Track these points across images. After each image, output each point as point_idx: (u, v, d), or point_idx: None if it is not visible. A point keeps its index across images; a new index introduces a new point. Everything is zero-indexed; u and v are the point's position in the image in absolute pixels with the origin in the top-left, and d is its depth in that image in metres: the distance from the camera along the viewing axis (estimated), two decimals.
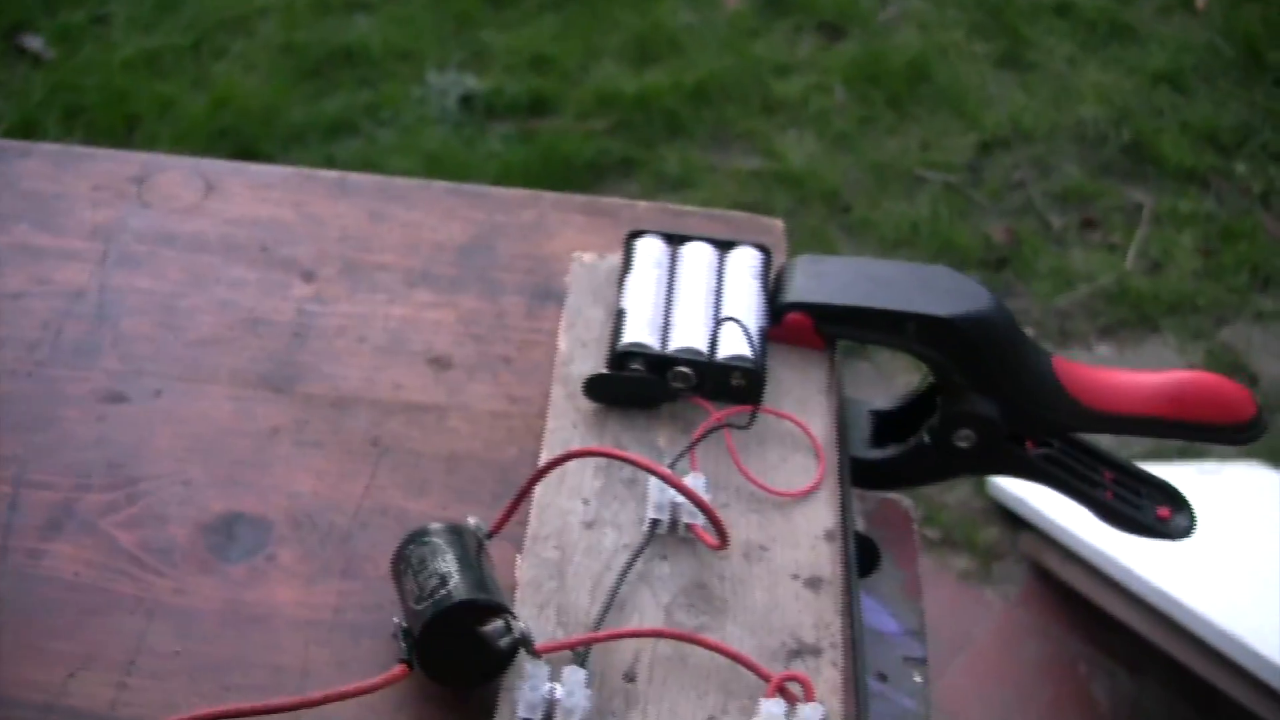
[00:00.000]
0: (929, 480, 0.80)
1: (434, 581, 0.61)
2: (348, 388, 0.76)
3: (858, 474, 0.80)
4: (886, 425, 0.81)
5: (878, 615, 0.71)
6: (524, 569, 0.65)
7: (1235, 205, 2.38)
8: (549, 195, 0.87)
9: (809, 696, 0.60)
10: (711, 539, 0.65)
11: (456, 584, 0.60)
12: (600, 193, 2.18)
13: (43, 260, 0.82)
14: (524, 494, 0.65)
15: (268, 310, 0.80)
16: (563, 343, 0.75)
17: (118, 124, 2.34)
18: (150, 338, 0.78)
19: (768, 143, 2.41)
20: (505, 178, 2.20)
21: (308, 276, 0.81)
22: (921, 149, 2.44)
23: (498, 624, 0.60)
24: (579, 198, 0.87)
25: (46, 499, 0.70)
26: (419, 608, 0.60)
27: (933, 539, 1.97)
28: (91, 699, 0.63)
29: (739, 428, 0.71)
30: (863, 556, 0.76)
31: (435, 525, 0.63)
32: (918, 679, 0.69)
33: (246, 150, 2.23)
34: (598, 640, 0.62)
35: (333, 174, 0.89)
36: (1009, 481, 1.94)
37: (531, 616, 0.63)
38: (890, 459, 0.79)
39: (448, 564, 0.61)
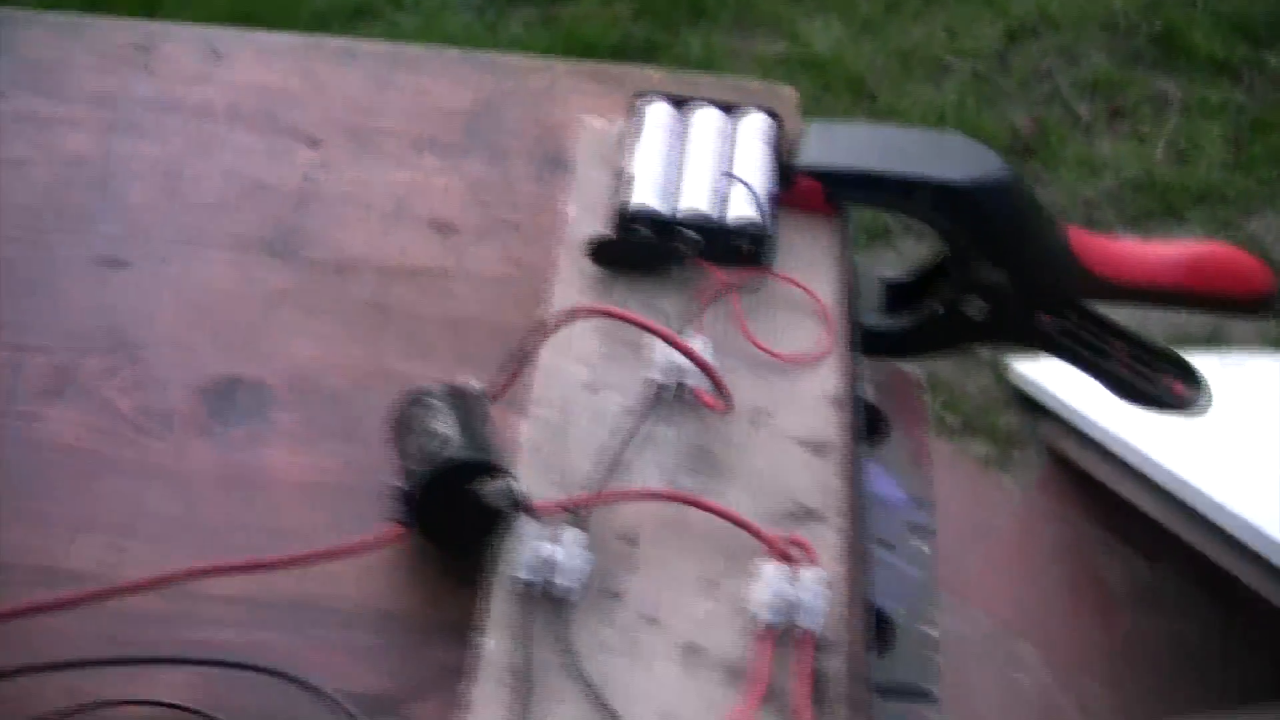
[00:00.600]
0: (940, 350, 0.79)
1: (433, 442, 0.60)
2: (351, 253, 0.75)
3: (868, 342, 0.79)
4: (898, 294, 0.80)
5: (884, 483, 0.71)
6: (525, 432, 0.65)
7: (1266, 96, 2.34)
8: (560, 63, 0.85)
9: (811, 561, 0.59)
10: (715, 402, 0.65)
11: (456, 444, 0.60)
12: None
13: (45, 127, 0.81)
14: (527, 355, 0.65)
15: (272, 177, 0.79)
16: (569, 207, 0.74)
17: (137, 10, 2.32)
18: (153, 205, 0.77)
19: (792, 28, 2.38)
20: None
21: (313, 143, 0.80)
22: (948, 36, 2.40)
23: (497, 484, 0.59)
24: (589, 65, 0.85)
25: (46, 364, 0.70)
26: (417, 468, 0.60)
27: (953, 426, 1.97)
28: (91, 562, 0.62)
29: (746, 292, 0.70)
30: (870, 424, 0.76)
31: (436, 387, 0.63)
32: (924, 548, 0.68)
33: None
34: (598, 502, 0.62)
35: (340, 41, 0.87)
36: (1029, 368, 1.92)
37: (532, 479, 0.63)
38: (901, 328, 0.78)
39: (447, 425, 0.61)
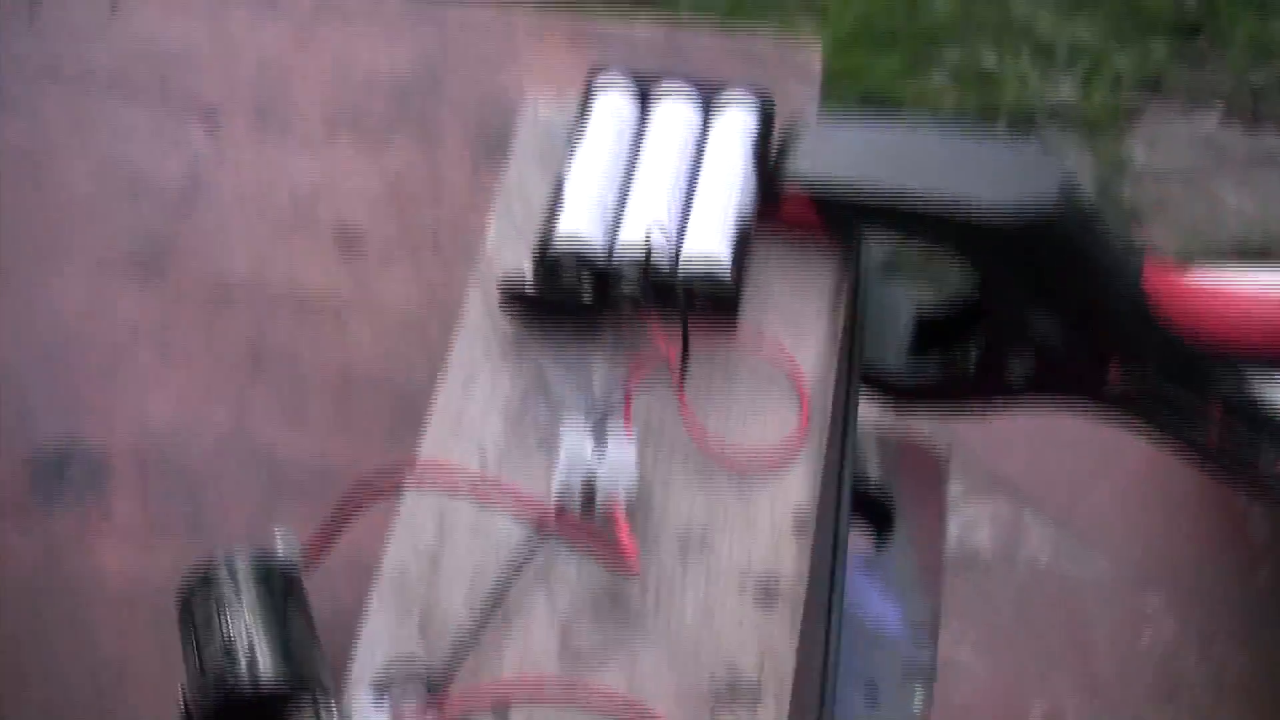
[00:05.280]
0: (975, 405, 0.62)
1: (219, 654, 0.45)
2: (231, 275, 0.60)
3: (888, 390, 0.62)
4: (927, 330, 0.63)
5: (879, 604, 0.54)
6: (390, 551, 0.50)
7: None
8: (522, 17, 0.68)
9: None
10: (612, 555, 0.48)
11: (250, 659, 0.44)
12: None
13: None
14: (345, 519, 0.47)
15: (154, 166, 0.64)
16: (491, 227, 0.58)
17: None
18: (12, 202, 0.63)
19: None
20: None
21: (209, 118, 0.65)
22: None
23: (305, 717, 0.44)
24: (561, 18, 0.68)
25: None
26: (202, 684, 0.44)
27: None
28: None
29: (699, 358, 0.54)
30: (874, 519, 0.59)
31: (223, 561, 0.47)
32: (918, 698, 0.52)
33: None
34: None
35: None
36: None
37: (390, 626, 0.48)
38: (925, 376, 0.61)
39: (239, 625, 0.45)
